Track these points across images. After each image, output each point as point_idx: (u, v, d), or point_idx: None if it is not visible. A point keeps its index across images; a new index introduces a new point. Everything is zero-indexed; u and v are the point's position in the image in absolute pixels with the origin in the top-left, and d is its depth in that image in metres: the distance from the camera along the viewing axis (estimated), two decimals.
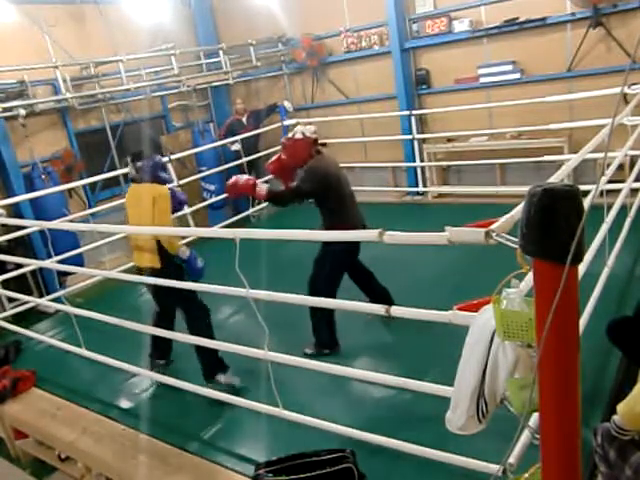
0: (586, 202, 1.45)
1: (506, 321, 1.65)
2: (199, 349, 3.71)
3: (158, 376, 3.82)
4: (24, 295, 5.46)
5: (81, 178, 6.80)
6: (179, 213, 6.90)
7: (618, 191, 4.41)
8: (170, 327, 3.91)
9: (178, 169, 7.42)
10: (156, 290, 3.87)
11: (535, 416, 1.83)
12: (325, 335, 4.08)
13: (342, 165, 8.59)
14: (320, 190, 4.05)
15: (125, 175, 7.26)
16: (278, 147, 8.41)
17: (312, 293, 3.76)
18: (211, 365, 3.76)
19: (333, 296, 3.78)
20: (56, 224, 5.04)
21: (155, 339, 4.04)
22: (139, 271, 3.97)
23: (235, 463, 3.14)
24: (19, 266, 5.62)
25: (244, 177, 4.14)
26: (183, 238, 6.49)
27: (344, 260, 4.10)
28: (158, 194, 3.84)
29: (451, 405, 1.95)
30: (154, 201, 3.79)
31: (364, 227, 4.11)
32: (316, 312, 3.99)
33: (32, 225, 5.39)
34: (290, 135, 4.30)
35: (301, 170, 4.19)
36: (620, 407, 1.91)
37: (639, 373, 2.15)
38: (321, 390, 3.60)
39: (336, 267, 4.06)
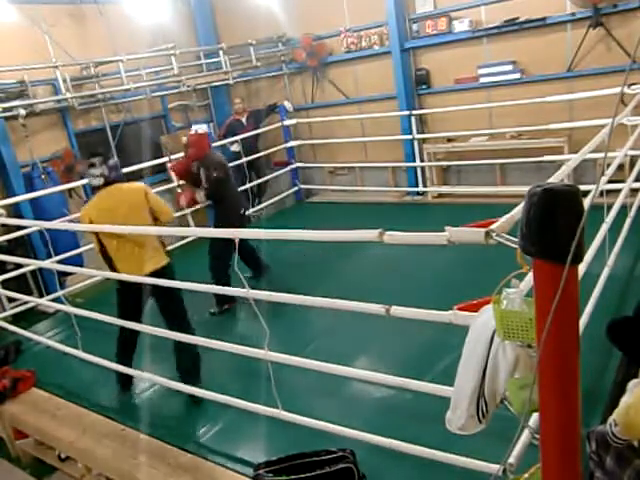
0: (586, 202, 1.45)
1: (506, 321, 1.65)
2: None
3: (158, 378, 3.81)
4: (24, 295, 5.46)
5: (81, 178, 6.79)
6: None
7: (618, 191, 4.41)
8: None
9: None
10: (164, 291, 3.74)
11: (535, 416, 1.82)
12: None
13: (342, 165, 8.72)
14: (225, 176, 5.09)
15: (126, 175, 7.24)
16: (278, 147, 8.53)
17: (212, 257, 5.05)
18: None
19: (227, 261, 4.75)
20: (55, 224, 5.03)
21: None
22: (132, 286, 3.75)
23: (235, 463, 3.14)
24: (19, 266, 5.62)
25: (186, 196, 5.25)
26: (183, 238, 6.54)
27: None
28: (144, 188, 3.91)
29: (451, 405, 1.95)
30: (146, 197, 3.86)
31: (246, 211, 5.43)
32: (215, 271, 4.99)
33: (31, 225, 5.39)
34: (192, 132, 5.25)
35: (201, 165, 5.05)
36: (618, 416, 1.87)
37: (639, 373, 2.15)
38: (321, 390, 3.60)
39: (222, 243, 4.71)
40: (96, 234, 3.77)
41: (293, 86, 9.06)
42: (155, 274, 3.72)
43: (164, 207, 3.97)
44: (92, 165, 3.81)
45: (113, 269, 3.81)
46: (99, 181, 3.80)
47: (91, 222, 3.74)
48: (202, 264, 5.20)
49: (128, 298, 3.86)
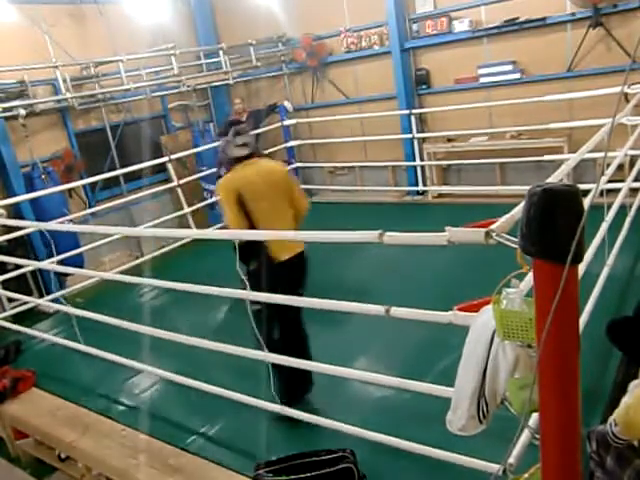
0: (586, 202, 1.45)
1: (506, 321, 1.65)
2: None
3: (162, 372, 3.80)
4: (24, 295, 5.46)
5: (81, 178, 6.80)
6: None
7: (618, 191, 4.41)
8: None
9: (178, 169, 7.42)
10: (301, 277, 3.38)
11: (535, 416, 1.82)
12: None
13: (342, 165, 8.71)
14: None
15: (126, 175, 7.26)
16: (278, 147, 8.53)
17: None
18: None
19: None
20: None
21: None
22: (281, 266, 3.24)
23: (235, 463, 3.14)
24: (19, 266, 5.61)
25: None
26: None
27: None
28: (286, 169, 3.49)
29: (452, 406, 1.95)
30: (289, 179, 3.40)
31: None
32: None
33: (31, 226, 5.37)
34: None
35: None
36: (618, 416, 1.87)
37: (639, 373, 2.15)
38: (321, 390, 3.60)
39: None
40: (245, 210, 3.17)
41: (293, 86, 9.06)
42: (301, 255, 3.32)
43: (303, 195, 3.51)
44: (238, 133, 3.26)
45: (257, 251, 3.20)
46: (243, 151, 3.27)
47: (239, 195, 3.15)
48: (205, 264, 5.20)
49: (282, 280, 3.22)
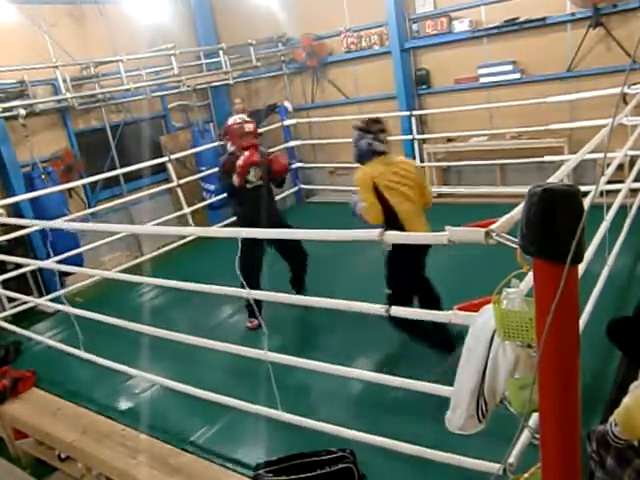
0: (586, 202, 1.45)
1: (506, 321, 1.65)
2: None
3: (158, 379, 3.80)
4: (24, 295, 5.45)
5: (81, 178, 6.80)
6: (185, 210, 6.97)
7: (618, 191, 4.42)
8: None
9: (178, 169, 7.42)
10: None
11: (535, 416, 1.83)
12: None
13: (343, 165, 8.70)
14: None
15: (126, 175, 7.26)
16: (278, 147, 8.53)
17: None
18: None
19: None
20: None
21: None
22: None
23: (235, 463, 3.13)
24: (19, 266, 5.61)
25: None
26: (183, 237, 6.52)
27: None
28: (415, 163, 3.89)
29: (451, 405, 1.95)
30: (418, 172, 3.81)
31: None
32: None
33: (32, 225, 5.36)
34: (247, 119, 4.72)
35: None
36: (618, 416, 1.87)
37: (639, 373, 2.15)
38: (321, 390, 3.60)
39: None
40: (381, 196, 3.46)
41: (293, 86, 9.06)
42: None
43: (429, 187, 3.87)
44: (383, 131, 3.66)
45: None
46: (383, 147, 3.65)
47: (374, 184, 3.48)
48: (206, 263, 5.18)
49: (415, 263, 3.58)
